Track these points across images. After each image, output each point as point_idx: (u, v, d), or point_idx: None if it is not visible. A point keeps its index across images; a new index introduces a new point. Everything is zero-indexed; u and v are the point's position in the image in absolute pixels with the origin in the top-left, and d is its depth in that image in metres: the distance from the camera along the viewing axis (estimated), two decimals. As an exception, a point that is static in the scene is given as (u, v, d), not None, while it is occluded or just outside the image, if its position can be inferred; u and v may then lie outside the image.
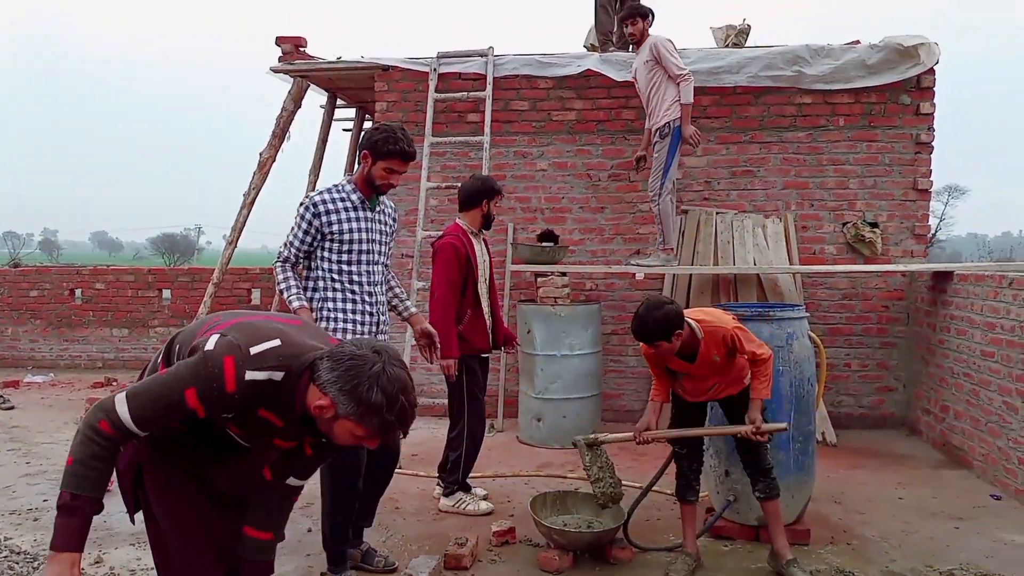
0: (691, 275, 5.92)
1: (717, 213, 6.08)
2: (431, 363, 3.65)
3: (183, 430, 1.89)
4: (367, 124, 8.20)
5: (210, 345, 1.73)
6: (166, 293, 8.86)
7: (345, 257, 3.11)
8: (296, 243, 3.11)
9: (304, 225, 3.09)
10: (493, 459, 4.88)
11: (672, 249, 5.65)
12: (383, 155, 3.06)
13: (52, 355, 8.87)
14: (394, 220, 3.35)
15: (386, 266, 3.36)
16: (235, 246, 7.04)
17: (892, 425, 5.94)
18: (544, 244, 5.72)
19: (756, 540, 3.63)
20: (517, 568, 3.37)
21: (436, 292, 3.95)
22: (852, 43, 5.97)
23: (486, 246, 4.28)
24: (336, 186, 3.16)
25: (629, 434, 3.36)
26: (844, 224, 6.05)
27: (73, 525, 1.67)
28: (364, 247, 3.14)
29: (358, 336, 3.07)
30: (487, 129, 6.12)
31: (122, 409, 1.70)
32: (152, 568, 3.22)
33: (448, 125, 6.40)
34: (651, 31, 5.47)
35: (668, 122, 5.31)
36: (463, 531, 3.63)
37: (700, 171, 6.18)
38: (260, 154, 6.94)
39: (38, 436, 5.66)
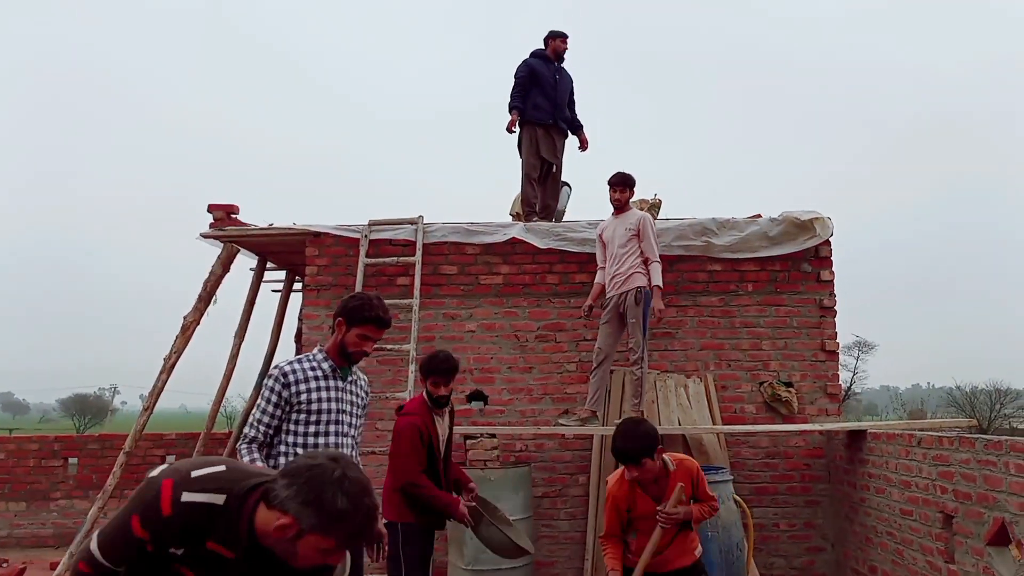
0: (619, 436, 5.96)
1: (641, 373, 6.25)
2: (374, 561, 3.35)
3: None
4: (297, 285, 8.26)
5: (154, 472, 1.76)
6: (72, 461, 8.32)
7: (312, 428, 2.97)
8: (265, 419, 2.95)
9: (273, 397, 2.95)
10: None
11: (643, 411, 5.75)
12: (357, 322, 3.01)
13: (-65, 534, 8.08)
14: (367, 393, 3.23)
15: (356, 442, 3.21)
16: (151, 412, 6.77)
17: (825, 586, 5.90)
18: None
19: None
20: None
21: (402, 468, 3.84)
22: (754, 216, 6.49)
23: (450, 417, 4.16)
24: (306, 356, 3.08)
25: None
26: (761, 384, 6.29)
27: None
28: (333, 417, 3.01)
29: None
30: (416, 292, 6.25)
31: (93, 545, 1.76)
32: None
33: (378, 288, 6.50)
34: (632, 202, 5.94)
35: (639, 287, 5.58)
36: None
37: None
38: (184, 317, 6.85)
39: (-93, 631, 5.05)
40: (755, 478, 6.09)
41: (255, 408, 3.00)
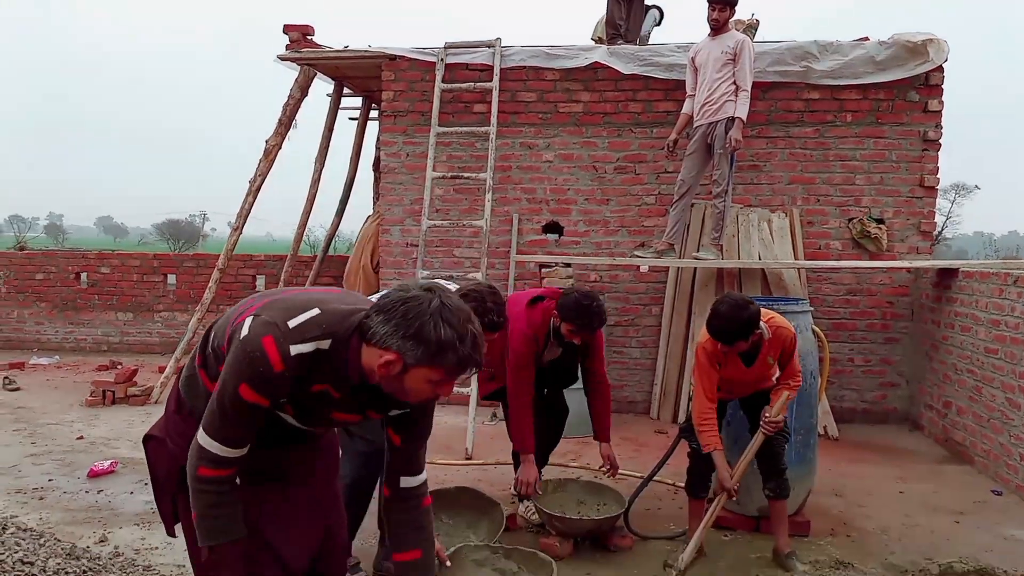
0: (695, 268, 5.93)
1: (723, 207, 6.08)
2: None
3: None
4: (373, 113, 8.21)
5: (244, 331, 1.63)
6: (171, 278, 8.89)
7: None
8: None
9: None
10: (495, 447, 4.91)
11: (722, 245, 5.64)
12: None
13: (57, 338, 8.92)
14: None
15: None
16: (240, 232, 7.06)
17: (895, 420, 5.95)
18: None
19: (756, 530, 3.66)
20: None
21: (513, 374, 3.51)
22: (861, 39, 5.95)
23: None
24: None
25: (716, 510, 3.21)
26: (850, 220, 6.05)
27: (230, 568, 1.69)
28: None
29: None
30: (493, 120, 6.11)
31: (208, 443, 1.65)
32: (155, 547, 3.26)
33: (454, 115, 6.40)
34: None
35: (731, 117, 5.32)
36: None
37: (706, 164, 6.18)
38: (266, 141, 6.96)
39: (43, 417, 5.70)
40: (834, 314, 6.02)
41: None
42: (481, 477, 4.39)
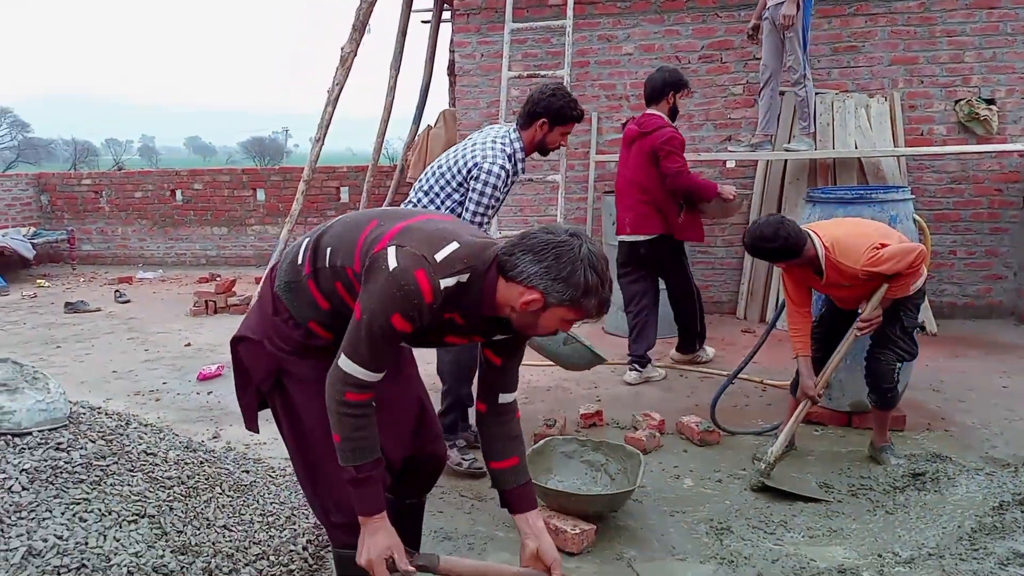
0: (786, 161, 5.66)
1: (816, 94, 5.72)
2: None
3: (330, 338, 1.88)
4: (446, 15, 8.01)
5: (392, 262, 1.68)
6: (260, 193, 9.15)
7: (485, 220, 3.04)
8: (494, 203, 2.99)
9: (504, 188, 3.00)
10: (580, 348, 4.95)
11: (815, 133, 5.37)
12: (565, 121, 3.06)
13: (159, 253, 9.41)
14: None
15: None
16: (323, 143, 7.12)
17: (999, 315, 5.67)
18: None
19: (848, 425, 3.61)
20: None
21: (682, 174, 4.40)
22: None
23: None
24: (513, 150, 3.03)
25: (802, 411, 3.11)
26: (957, 102, 5.61)
27: (373, 490, 1.78)
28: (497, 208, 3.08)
29: None
30: (569, 12, 5.85)
31: (355, 369, 1.72)
32: (263, 442, 3.47)
33: (529, 9, 6.18)
34: None
35: None
36: (552, 413, 3.74)
37: (798, 49, 5.79)
38: (341, 48, 6.90)
39: (153, 327, 6.08)
40: (936, 205, 5.68)
41: (485, 198, 2.96)
42: (567, 376, 4.45)
